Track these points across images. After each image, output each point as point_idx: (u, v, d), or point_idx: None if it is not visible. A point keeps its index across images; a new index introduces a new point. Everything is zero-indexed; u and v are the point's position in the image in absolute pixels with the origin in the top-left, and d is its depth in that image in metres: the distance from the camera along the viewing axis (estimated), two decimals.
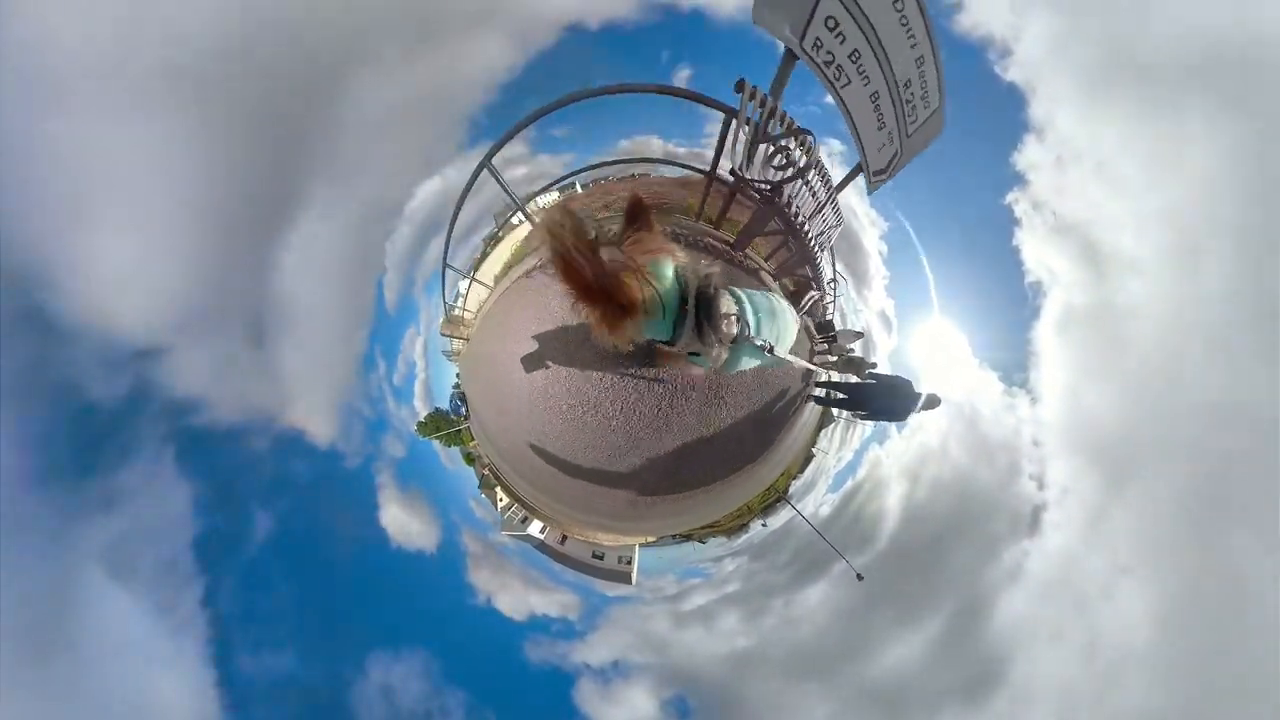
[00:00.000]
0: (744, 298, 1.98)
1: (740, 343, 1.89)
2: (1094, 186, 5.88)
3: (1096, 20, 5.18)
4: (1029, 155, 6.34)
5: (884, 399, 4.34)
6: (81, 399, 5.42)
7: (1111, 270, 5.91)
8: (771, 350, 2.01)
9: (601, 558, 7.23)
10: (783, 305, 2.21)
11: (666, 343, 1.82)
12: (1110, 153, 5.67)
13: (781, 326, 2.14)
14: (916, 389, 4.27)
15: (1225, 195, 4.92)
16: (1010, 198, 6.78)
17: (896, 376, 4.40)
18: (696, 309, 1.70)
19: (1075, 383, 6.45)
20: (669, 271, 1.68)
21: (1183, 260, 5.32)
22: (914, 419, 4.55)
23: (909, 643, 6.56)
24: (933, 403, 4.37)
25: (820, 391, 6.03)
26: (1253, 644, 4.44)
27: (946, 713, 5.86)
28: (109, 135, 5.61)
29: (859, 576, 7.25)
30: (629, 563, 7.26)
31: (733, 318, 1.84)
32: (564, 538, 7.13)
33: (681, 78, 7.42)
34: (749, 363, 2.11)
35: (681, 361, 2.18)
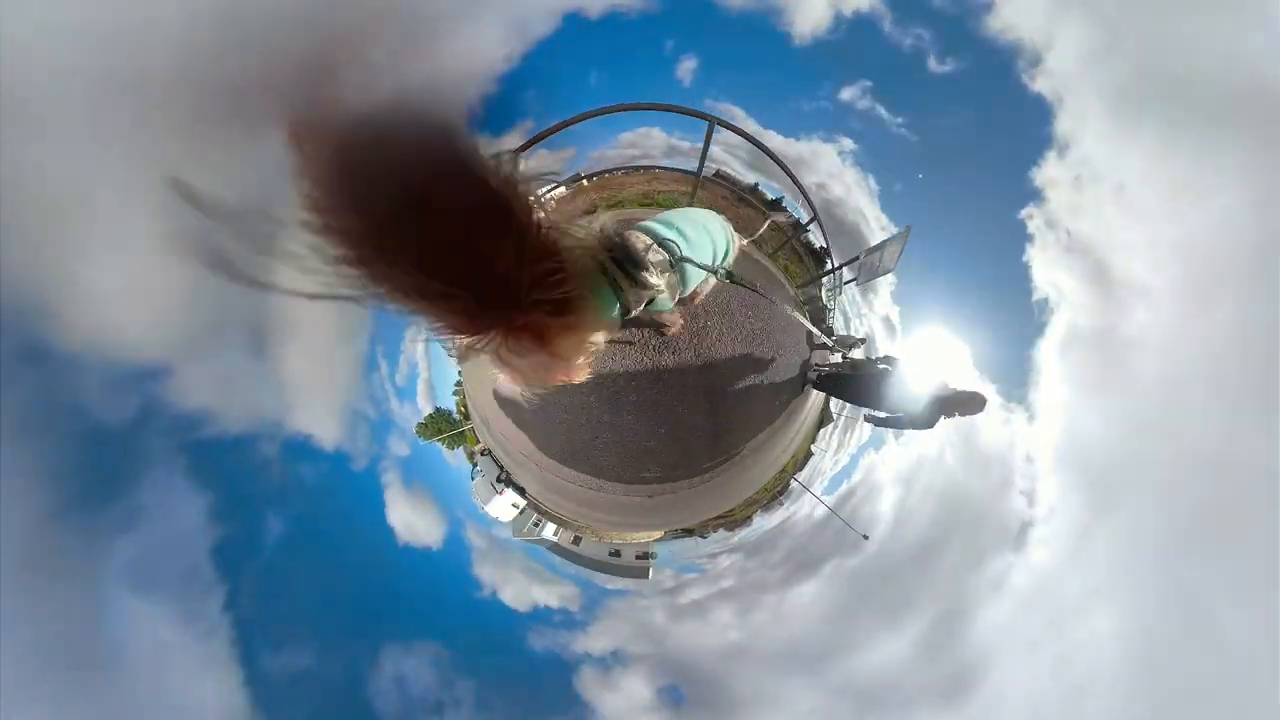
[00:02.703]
0: (651, 224, 1.87)
1: (678, 262, 1.76)
2: (1112, 210, 5.75)
3: (1134, 38, 4.90)
4: (1048, 171, 6.17)
5: (898, 393, 3.45)
6: (90, 424, 5.58)
7: (1120, 296, 5.89)
8: (725, 271, 1.90)
9: (619, 554, 7.62)
10: (703, 213, 2.08)
11: (623, 315, 1.62)
12: (1132, 177, 5.51)
13: (711, 230, 2.02)
14: (945, 386, 3.35)
15: (1245, 236, 4.84)
16: (1025, 213, 6.63)
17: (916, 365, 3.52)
18: (619, 265, 1.50)
19: (1073, 404, 6.56)
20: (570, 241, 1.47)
21: (1194, 296, 5.31)
22: (946, 423, 3.38)
23: (892, 644, 7.03)
24: (974, 404, 3.31)
25: (834, 360, 5.37)
26: (1214, 676, 4.80)
27: (922, 713, 6.38)
28: (98, 151, 5.47)
29: (864, 537, 7.64)
30: (644, 557, 7.66)
31: (652, 245, 1.70)
32: (577, 538, 7.47)
33: (685, 69, 7.08)
34: (697, 279, 1.95)
35: (647, 320, 2.02)
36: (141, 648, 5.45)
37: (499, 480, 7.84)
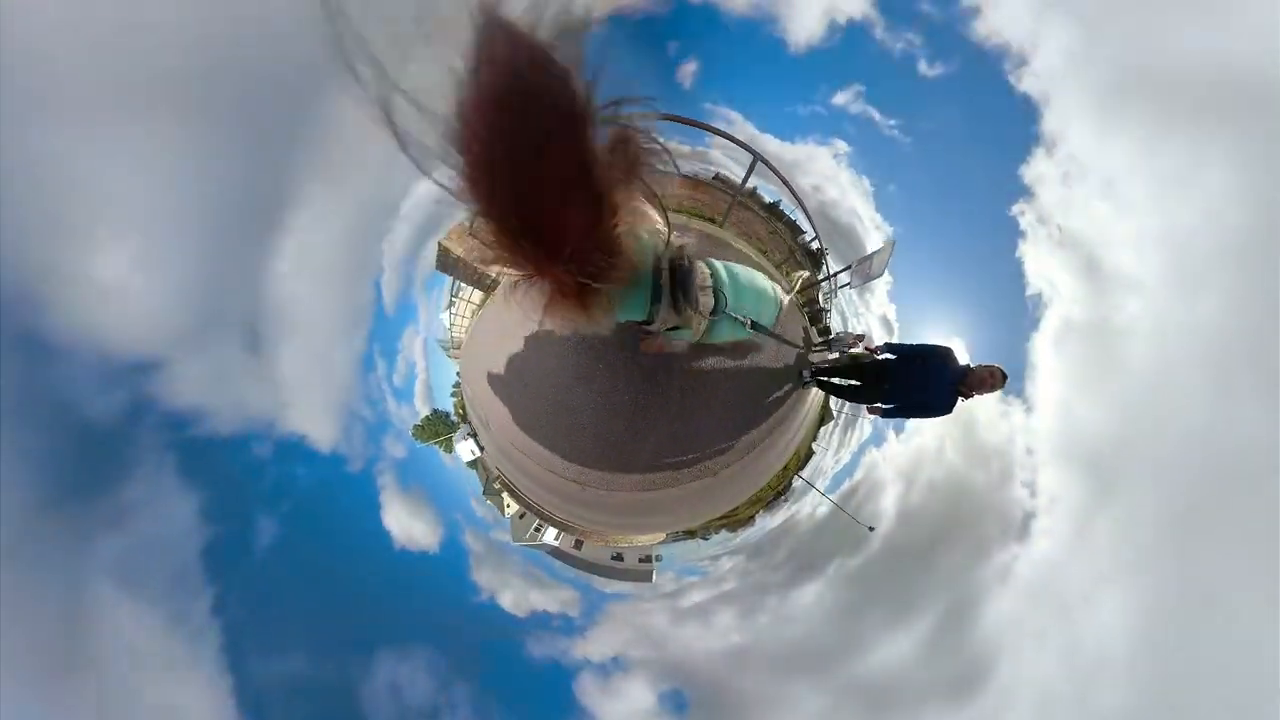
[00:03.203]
0: (720, 269, 1.94)
1: (719, 314, 1.83)
2: (1100, 204, 5.98)
3: (1117, 38, 5.17)
4: (1037, 168, 6.40)
5: (914, 379, 3.13)
6: (80, 417, 5.44)
7: (1112, 288, 6.08)
8: (754, 325, 1.95)
9: (621, 558, 7.52)
10: (765, 281, 2.16)
11: (644, 323, 1.70)
12: (1119, 172, 5.74)
13: (762, 301, 2.09)
14: (955, 359, 3.08)
15: (1230, 224, 5.04)
16: (1016, 209, 6.85)
17: (931, 346, 3.19)
18: (672, 281, 1.58)
19: (1069, 395, 6.69)
20: (645, 238, 1.44)
21: (1182, 285, 5.49)
22: (961, 406, 3.10)
23: (898, 641, 6.97)
24: (995, 378, 2.99)
25: (831, 357, 5.20)
26: (1222, 656, 4.82)
27: (932, 709, 6.30)
28: (94, 144, 5.43)
29: (870, 529, 7.63)
30: (648, 560, 7.56)
31: (709, 289, 1.78)
32: (579, 542, 7.37)
33: (687, 72, 7.29)
34: (728, 333, 2.04)
35: (660, 340, 2.04)
36: (125, 651, 5.23)
37: (498, 485, 7.74)
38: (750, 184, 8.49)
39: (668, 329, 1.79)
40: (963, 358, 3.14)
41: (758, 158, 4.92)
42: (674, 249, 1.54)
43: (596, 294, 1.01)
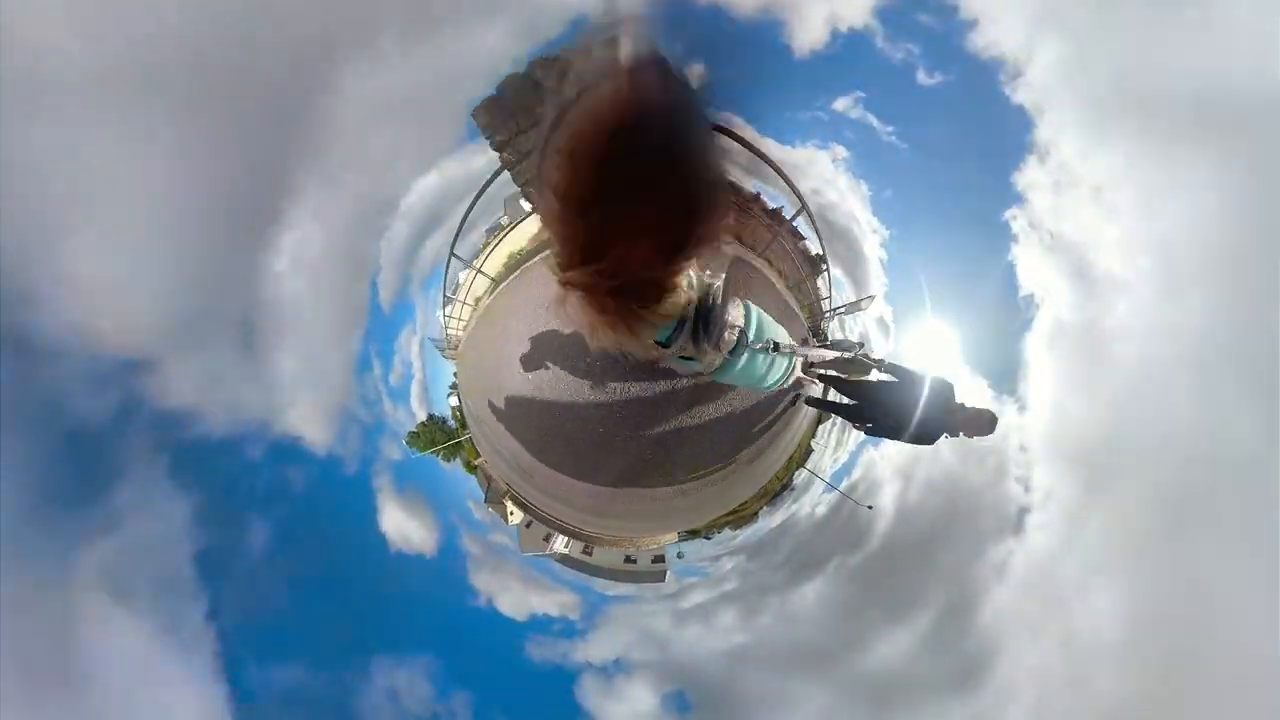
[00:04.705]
0: (753, 314, 2.08)
1: (739, 351, 1.96)
2: (1090, 211, 6.25)
3: (1108, 53, 5.44)
4: (1029, 176, 6.65)
5: (900, 407, 3.14)
6: (69, 419, 5.24)
7: (1101, 291, 6.35)
8: (775, 347, 2.11)
9: (634, 561, 7.52)
10: (785, 339, 2.30)
11: (660, 344, 1.81)
12: (1108, 180, 6.02)
13: (777, 366, 2.27)
14: (953, 396, 3.07)
15: (1216, 231, 5.34)
16: (1009, 214, 7.10)
17: (926, 374, 3.15)
18: (696, 316, 1.66)
19: (1061, 394, 6.94)
20: (692, 276, 1.56)
21: (1169, 289, 5.78)
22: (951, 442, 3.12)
23: (900, 637, 7.12)
24: (983, 423, 3.02)
25: (818, 392, 5.15)
26: (1211, 642, 5.07)
27: (935, 703, 6.45)
28: (83, 136, 5.26)
29: (869, 508, 7.74)
30: (660, 560, 7.59)
31: (736, 329, 1.91)
32: (588, 548, 7.35)
33: (692, 76, 7.31)
34: (733, 375, 2.17)
35: (667, 360, 2.20)
36: (117, 660, 5.02)
37: (505, 500, 7.70)
38: (754, 189, 8.63)
39: (680, 357, 1.87)
40: (959, 396, 3.13)
41: (773, 167, 5.25)
42: (704, 287, 1.59)
43: (640, 321, 1.01)
